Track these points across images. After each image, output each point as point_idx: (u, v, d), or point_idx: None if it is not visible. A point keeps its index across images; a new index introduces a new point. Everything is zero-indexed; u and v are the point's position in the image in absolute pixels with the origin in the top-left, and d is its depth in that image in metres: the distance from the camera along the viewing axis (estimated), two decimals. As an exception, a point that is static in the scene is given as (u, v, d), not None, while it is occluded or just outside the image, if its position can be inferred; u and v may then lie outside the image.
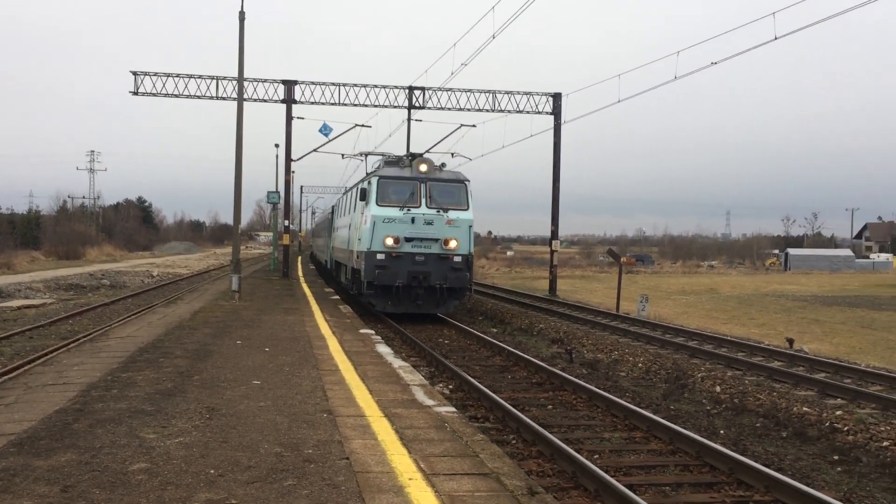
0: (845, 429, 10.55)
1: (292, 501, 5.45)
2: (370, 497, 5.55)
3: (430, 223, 21.51)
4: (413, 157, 23.14)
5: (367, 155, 29.53)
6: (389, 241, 21.43)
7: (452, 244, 21.60)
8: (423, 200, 21.79)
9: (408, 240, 21.49)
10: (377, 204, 21.73)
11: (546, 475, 7.57)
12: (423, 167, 22.22)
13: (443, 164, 23.38)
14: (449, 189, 22.25)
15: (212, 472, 6.11)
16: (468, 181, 22.50)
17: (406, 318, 21.92)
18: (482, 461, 6.62)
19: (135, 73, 36.21)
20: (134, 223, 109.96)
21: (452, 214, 21.76)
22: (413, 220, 21.55)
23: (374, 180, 22.17)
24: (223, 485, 5.79)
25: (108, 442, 6.93)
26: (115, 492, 5.59)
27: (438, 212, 21.69)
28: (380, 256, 21.38)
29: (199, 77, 36.68)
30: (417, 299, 21.67)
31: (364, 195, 22.44)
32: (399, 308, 21.71)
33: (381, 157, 25.56)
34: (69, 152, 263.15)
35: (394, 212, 21.63)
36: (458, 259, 21.64)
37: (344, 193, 35.64)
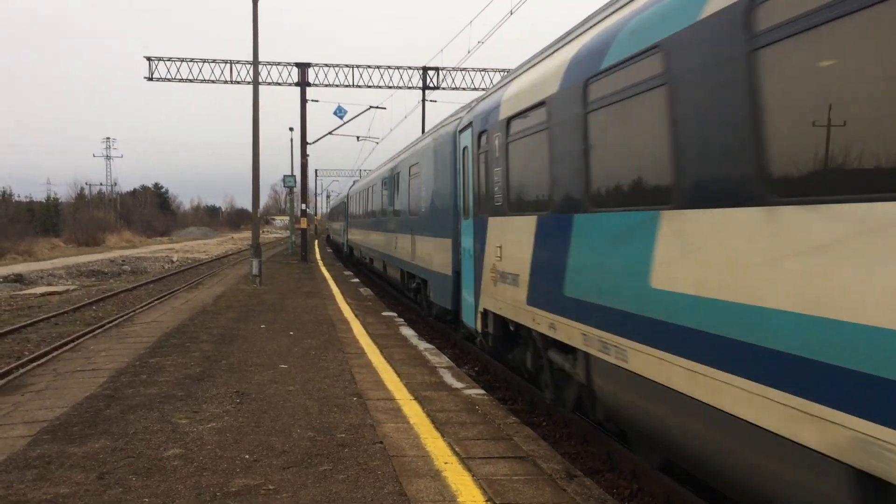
0: None
1: (330, 486, 5.40)
2: (407, 481, 5.50)
3: None
4: None
5: None
6: None
7: None
8: None
9: None
10: None
11: (580, 457, 7.49)
12: None
13: None
14: None
15: (247, 457, 6.08)
16: None
17: None
18: (517, 444, 6.55)
19: (149, 59, 36.19)
20: (151, 209, 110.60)
21: None
22: None
23: None
24: (259, 470, 5.76)
25: (141, 428, 6.92)
26: (152, 478, 5.57)
27: None
28: None
29: (213, 61, 36.61)
30: None
31: None
32: None
33: None
34: (85, 139, 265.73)
35: None
36: None
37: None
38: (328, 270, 30.50)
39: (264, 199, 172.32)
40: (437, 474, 5.69)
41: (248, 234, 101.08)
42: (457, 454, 6.20)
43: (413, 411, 7.64)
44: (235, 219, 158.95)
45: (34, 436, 6.72)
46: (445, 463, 5.96)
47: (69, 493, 5.27)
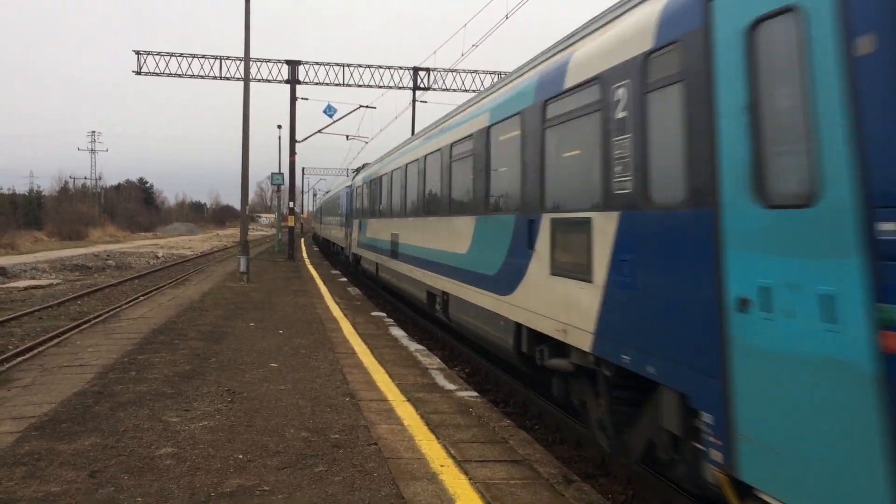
0: None
1: (325, 488, 5.35)
2: (404, 484, 5.45)
3: None
4: None
5: None
6: None
7: None
8: None
9: None
10: None
11: (573, 462, 7.48)
12: None
13: None
14: None
15: (240, 457, 6.01)
16: None
17: None
18: (512, 447, 6.51)
19: (138, 53, 35.89)
20: (136, 204, 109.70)
21: None
22: None
23: None
24: (253, 470, 5.69)
25: (132, 426, 6.83)
26: (144, 477, 5.49)
27: None
28: None
29: (203, 57, 36.35)
30: None
31: None
32: None
33: None
34: (70, 132, 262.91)
35: None
36: None
37: None
38: (315, 269, 30.34)
39: (250, 197, 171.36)
40: (433, 477, 5.64)
41: (233, 231, 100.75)
42: (452, 457, 6.16)
43: (407, 413, 7.59)
44: (220, 215, 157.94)
45: (22, 432, 6.61)
46: (442, 466, 5.92)
47: (60, 492, 5.18)
